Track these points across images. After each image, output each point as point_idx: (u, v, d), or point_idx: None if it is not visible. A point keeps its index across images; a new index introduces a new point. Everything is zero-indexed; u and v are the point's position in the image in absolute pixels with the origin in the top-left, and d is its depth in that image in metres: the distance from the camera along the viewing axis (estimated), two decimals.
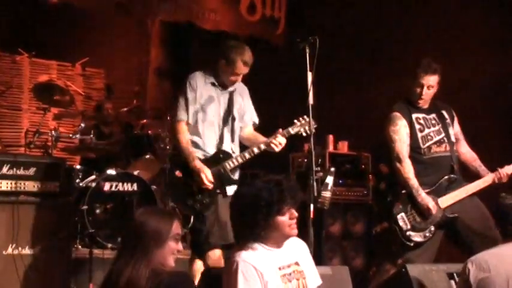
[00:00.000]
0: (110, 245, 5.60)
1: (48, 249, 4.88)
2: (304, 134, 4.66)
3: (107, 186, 5.95)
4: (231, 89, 4.84)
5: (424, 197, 4.80)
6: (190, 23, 7.64)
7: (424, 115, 5.02)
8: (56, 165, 5.13)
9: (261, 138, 4.81)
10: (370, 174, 6.77)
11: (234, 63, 4.65)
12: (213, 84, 4.79)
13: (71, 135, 6.84)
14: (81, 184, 6.18)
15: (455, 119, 5.16)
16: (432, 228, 4.83)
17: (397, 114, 4.96)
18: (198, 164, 4.59)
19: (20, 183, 4.90)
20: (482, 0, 6.49)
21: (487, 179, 4.93)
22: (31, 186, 4.95)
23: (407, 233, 4.84)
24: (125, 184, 6.03)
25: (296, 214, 3.27)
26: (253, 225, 3.20)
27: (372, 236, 6.55)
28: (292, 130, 4.68)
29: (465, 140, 5.17)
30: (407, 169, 4.85)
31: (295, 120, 4.68)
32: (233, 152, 4.77)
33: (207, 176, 4.55)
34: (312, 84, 4.33)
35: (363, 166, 6.76)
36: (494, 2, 6.38)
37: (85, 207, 5.74)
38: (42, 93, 7.00)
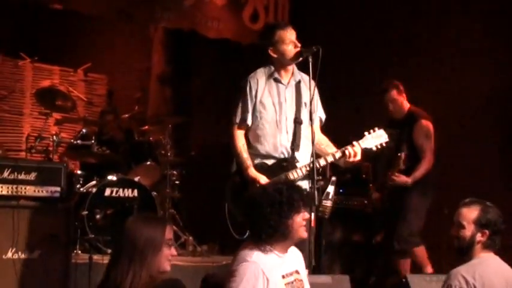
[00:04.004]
0: (109, 251, 5.58)
1: (48, 254, 4.87)
2: (374, 149, 4.22)
3: (107, 192, 5.97)
4: (293, 81, 4.34)
5: None
6: (193, 30, 7.63)
7: None
8: (57, 170, 5.12)
9: (331, 147, 4.25)
10: (371, 184, 6.77)
11: (280, 38, 4.23)
12: (275, 80, 4.32)
13: (72, 140, 6.82)
14: (81, 189, 6.18)
15: None
16: None
17: None
18: (253, 173, 4.18)
19: (21, 188, 4.88)
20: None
21: None
22: (32, 190, 4.93)
23: None
24: (126, 190, 6.04)
25: (308, 216, 3.31)
26: (275, 224, 3.19)
27: (372, 244, 6.54)
28: (363, 144, 4.20)
29: None
30: None
31: (366, 133, 4.23)
32: (297, 161, 4.25)
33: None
34: (314, 93, 4.26)
35: (364, 175, 6.77)
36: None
37: (85, 212, 5.76)
38: (44, 98, 6.98)
